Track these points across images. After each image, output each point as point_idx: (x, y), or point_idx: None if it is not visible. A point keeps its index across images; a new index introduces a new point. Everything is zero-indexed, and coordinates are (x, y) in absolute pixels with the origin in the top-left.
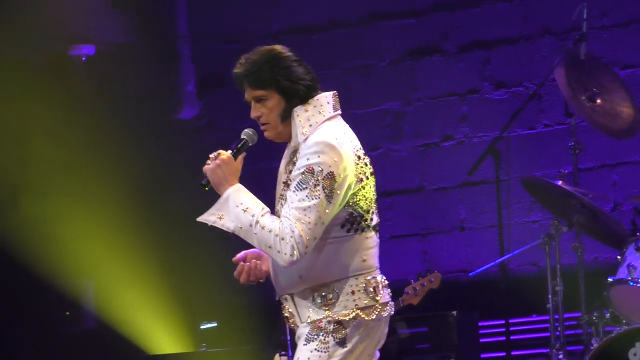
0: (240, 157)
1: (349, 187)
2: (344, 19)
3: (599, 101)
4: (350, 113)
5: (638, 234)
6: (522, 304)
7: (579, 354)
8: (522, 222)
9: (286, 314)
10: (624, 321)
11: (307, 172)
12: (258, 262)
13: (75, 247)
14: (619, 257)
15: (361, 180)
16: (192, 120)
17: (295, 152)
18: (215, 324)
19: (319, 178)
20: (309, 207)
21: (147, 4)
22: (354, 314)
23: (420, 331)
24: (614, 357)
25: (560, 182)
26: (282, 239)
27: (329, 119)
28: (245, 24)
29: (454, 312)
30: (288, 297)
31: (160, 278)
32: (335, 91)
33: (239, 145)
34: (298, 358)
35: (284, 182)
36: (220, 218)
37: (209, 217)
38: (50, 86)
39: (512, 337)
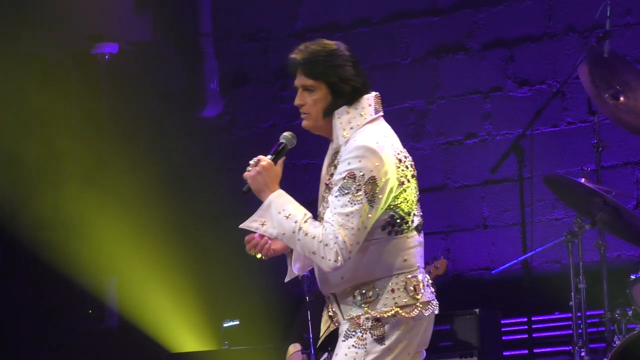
0: (280, 162)
1: (391, 190)
2: (367, 17)
3: (622, 99)
4: None
5: None
6: (545, 302)
7: (602, 351)
8: (545, 219)
9: (330, 313)
10: None
11: (348, 177)
12: (270, 240)
13: (98, 244)
14: None
15: (402, 183)
16: (215, 118)
17: (336, 153)
18: (238, 322)
19: (361, 183)
20: (352, 212)
21: (170, 2)
22: (393, 311)
23: (443, 329)
24: (636, 354)
25: (583, 180)
26: (326, 245)
27: (370, 122)
28: (268, 22)
29: (477, 310)
30: (331, 296)
31: (183, 276)
32: (377, 92)
33: (279, 150)
34: (337, 354)
35: (325, 184)
36: (263, 224)
37: (251, 224)
38: (74, 84)
39: (534, 335)
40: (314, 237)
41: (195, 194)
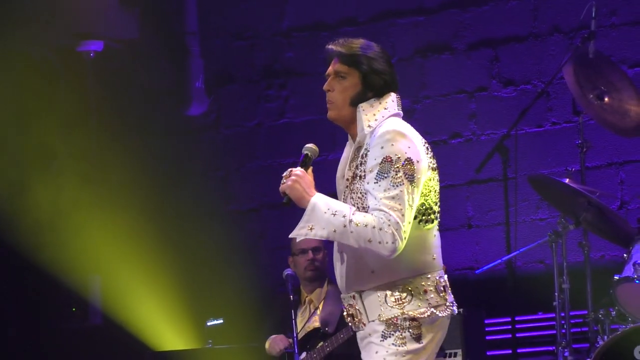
0: (309, 171)
1: (424, 173)
2: (354, 16)
3: (607, 99)
4: None
5: None
6: (529, 302)
7: (585, 351)
8: (529, 220)
9: (351, 312)
10: (630, 319)
11: (385, 161)
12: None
13: (82, 242)
14: (625, 255)
15: (432, 169)
16: (200, 116)
17: (359, 148)
18: (222, 321)
19: (399, 165)
20: (397, 194)
21: (157, 0)
22: (429, 312)
23: None
24: (619, 354)
25: (567, 180)
26: (380, 229)
27: (393, 115)
28: (255, 20)
29: (461, 310)
30: (356, 294)
31: (167, 274)
32: (398, 95)
33: (305, 161)
34: (377, 352)
35: (347, 179)
36: (311, 229)
37: (300, 232)
38: (59, 82)
39: (518, 335)
40: (366, 225)
41: (180, 193)
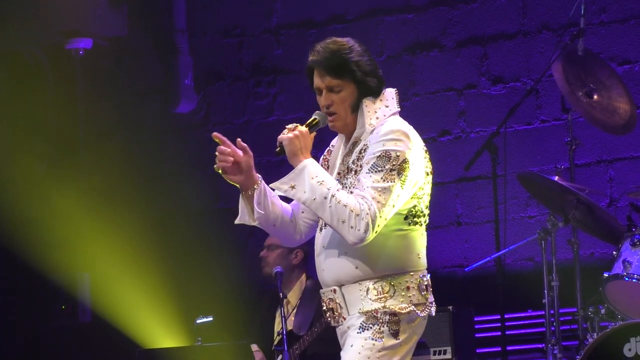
0: (312, 136)
1: (418, 177)
2: (342, 13)
3: (596, 97)
4: None
5: (634, 229)
6: (518, 299)
7: (574, 349)
8: (519, 217)
9: (331, 306)
10: (619, 317)
11: (383, 156)
12: (236, 159)
13: (71, 240)
14: (614, 252)
15: (427, 174)
16: (189, 114)
17: (356, 143)
18: (211, 319)
19: (395, 164)
20: (385, 188)
21: None
22: (410, 308)
23: None
24: (609, 352)
25: (556, 178)
26: (358, 215)
27: (394, 114)
28: (243, 18)
29: (450, 307)
30: (337, 288)
31: (156, 272)
32: (396, 89)
33: (312, 123)
34: (352, 345)
35: (339, 172)
36: (293, 187)
37: (281, 186)
38: (48, 79)
39: (507, 332)
40: (346, 206)
41: (169, 190)
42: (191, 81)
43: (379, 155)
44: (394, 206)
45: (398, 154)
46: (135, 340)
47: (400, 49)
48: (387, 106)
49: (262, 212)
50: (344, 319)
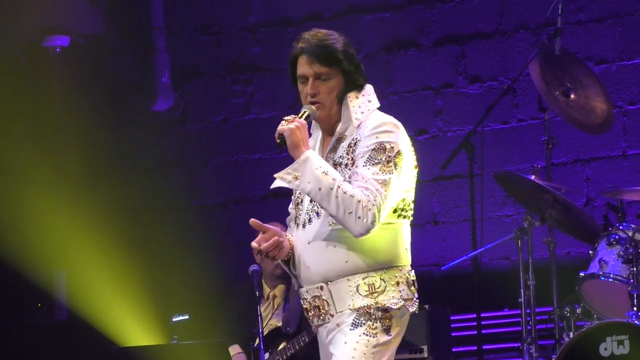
0: None
1: (409, 169)
2: (320, 12)
3: (573, 96)
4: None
5: (610, 229)
6: (494, 298)
7: (551, 348)
8: (495, 216)
9: (316, 304)
10: (595, 316)
11: (378, 148)
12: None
13: (48, 237)
14: (590, 252)
15: (414, 167)
16: (166, 111)
17: (340, 138)
18: (187, 317)
19: (391, 155)
20: (385, 180)
21: None
22: (401, 304)
23: None
24: (585, 351)
25: (533, 177)
26: (364, 206)
27: (377, 109)
28: (221, 15)
29: (426, 306)
30: (324, 285)
31: (132, 269)
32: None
33: (304, 117)
34: (346, 342)
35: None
36: (296, 178)
37: (285, 176)
38: (25, 77)
39: (483, 331)
40: (352, 196)
41: (146, 187)
42: (168, 79)
43: (374, 148)
44: (391, 198)
45: (392, 145)
46: (112, 338)
47: (378, 47)
48: (369, 101)
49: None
50: (332, 316)
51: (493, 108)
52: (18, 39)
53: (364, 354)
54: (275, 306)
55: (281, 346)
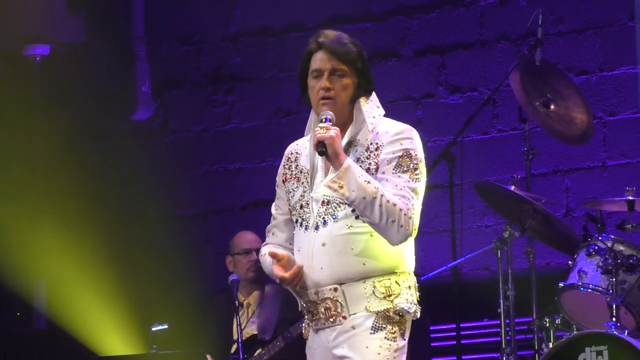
0: None
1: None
2: (301, 22)
3: (553, 107)
4: (306, 117)
5: (589, 239)
6: (474, 309)
7: (530, 358)
8: (475, 226)
9: (327, 306)
10: (575, 326)
11: (405, 155)
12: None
13: (27, 247)
14: (570, 262)
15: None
16: (146, 121)
17: (352, 142)
18: (166, 326)
19: (417, 162)
20: (415, 188)
21: (103, 4)
22: (415, 307)
23: None
24: None
25: (513, 187)
26: (405, 214)
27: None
28: (201, 25)
29: None
30: (338, 287)
31: (111, 279)
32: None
33: (330, 123)
34: (367, 347)
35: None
36: (341, 187)
37: (331, 184)
38: (3, 86)
39: (463, 342)
40: (395, 205)
41: (126, 197)
42: (149, 88)
43: (401, 155)
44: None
45: (416, 152)
46: (91, 348)
47: None
48: (378, 107)
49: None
50: (344, 318)
51: (473, 118)
52: None
53: (387, 358)
54: (250, 314)
55: (257, 353)
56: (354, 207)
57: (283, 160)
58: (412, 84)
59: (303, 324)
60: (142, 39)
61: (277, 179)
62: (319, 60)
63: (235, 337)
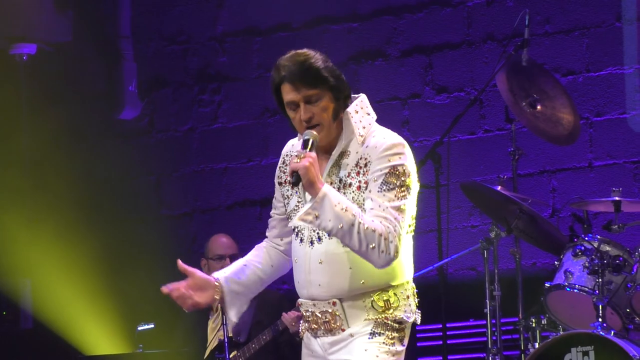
0: None
1: (415, 185)
2: (288, 22)
3: (539, 107)
4: None
5: (575, 240)
6: (460, 309)
7: (516, 358)
8: (461, 227)
9: (325, 319)
10: (561, 327)
11: (392, 172)
12: (192, 294)
13: (13, 246)
14: (556, 262)
15: (417, 181)
16: (133, 120)
17: (343, 153)
18: (153, 326)
19: (404, 178)
20: (400, 207)
21: (89, 4)
22: (414, 316)
23: None
24: None
25: (499, 188)
26: (386, 239)
27: (375, 121)
28: (188, 25)
29: None
30: (337, 301)
31: (98, 278)
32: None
33: (310, 146)
34: (366, 350)
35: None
36: (316, 217)
37: (306, 217)
38: None
39: (449, 342)
40: (374, 231)
41: (112, 197)
42: (135, 88)
43: (388, 172)
44: (407, 219)
45: (404, 168)
46: (77, 347)
47: (345, 57)
48: (368, 114)
49: (234, 314)
50: (343, 330)
51: (460, 118)
52: None
53: None
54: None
55: (232, 355)
56: (332, 236)
57: (280, 160)
58: (398, 84)
59: (281, 327)
60: (128, 39)
61: (275, 178)
62: (289, 92)
63: (209, 339)
